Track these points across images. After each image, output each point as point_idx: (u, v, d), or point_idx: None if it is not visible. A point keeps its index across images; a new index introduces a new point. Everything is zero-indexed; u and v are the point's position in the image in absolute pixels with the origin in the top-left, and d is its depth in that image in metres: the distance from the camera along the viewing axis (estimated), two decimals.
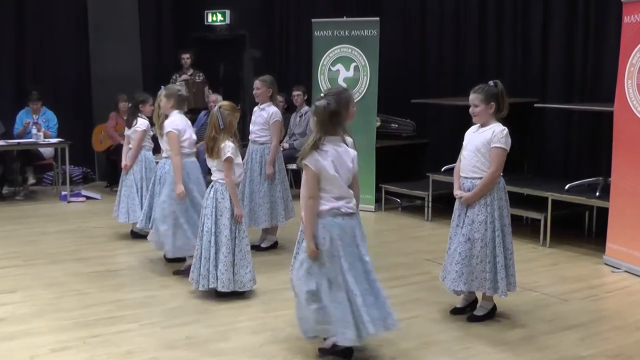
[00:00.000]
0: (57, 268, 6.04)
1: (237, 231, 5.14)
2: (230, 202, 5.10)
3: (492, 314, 4.92)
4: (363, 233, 4.08)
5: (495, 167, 4.65)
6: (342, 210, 3.94)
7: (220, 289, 5.11)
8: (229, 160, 5.03)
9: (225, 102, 5.30)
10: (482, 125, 4.76)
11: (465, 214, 4.74)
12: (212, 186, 5.19)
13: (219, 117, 5.04)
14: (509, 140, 4.67)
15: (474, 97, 4.75)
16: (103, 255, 6.48)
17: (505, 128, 4.69)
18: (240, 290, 5.18)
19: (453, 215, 4.86)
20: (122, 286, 5.60)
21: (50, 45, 10.40)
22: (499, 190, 4.71)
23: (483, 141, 4.69)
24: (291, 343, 4.42)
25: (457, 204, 4.82)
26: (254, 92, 6.64)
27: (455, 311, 4.99)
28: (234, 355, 4.25)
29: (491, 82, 4.74)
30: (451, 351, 4.34)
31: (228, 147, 5.03)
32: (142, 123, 6.95)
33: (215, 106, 5.26)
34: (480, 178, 4.68)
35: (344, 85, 8.16)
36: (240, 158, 5.22)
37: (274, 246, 6.70)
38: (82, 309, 5.00)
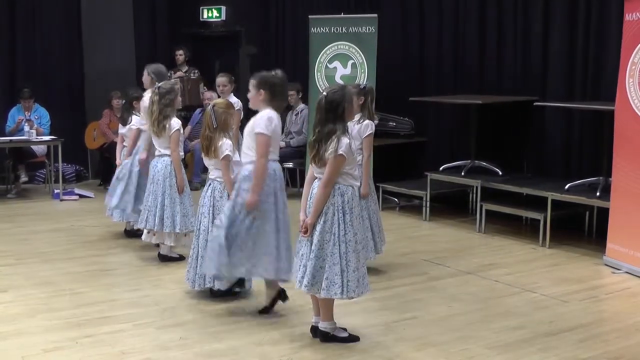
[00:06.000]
0: (49, 267, 5.97)
1: None
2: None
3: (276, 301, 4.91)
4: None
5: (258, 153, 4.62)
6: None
7: (217, 287, 5.05)
8: (227, 159, 4.98)
9: (220, 100, 5.28)
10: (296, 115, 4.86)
11: None
12: (210, 184, 5.13)
13: (212, 116, 4.98)
14: (273, 124, 4.60)
15: (249, 83, 4.79)
16: (96, 255, 6.42)
17: (268, 113, 4.63)
18: (237, 290, 5.10)
19: None
20: (115, 286, 5.55)
21: (43, 41, 10.29)
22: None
23: (248, 129, 4.70)
24: (287, 344, 4.38)
25: None
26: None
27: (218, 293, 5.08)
28: (228, 357, 4.20)
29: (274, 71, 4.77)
30: (449, 353, 4.30)
31: (226, 145, 4.98)
32: (136, 120, 6.86)
33: (209, 104, 5.21)
34: (249, 162, 4.67)
35: (341, 82, 8.11)
36: (238, 155, 5.16)
37: None
38: (75, 308, 4.95)
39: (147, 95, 6.47)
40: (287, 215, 4.76)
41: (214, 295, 5.12)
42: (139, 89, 7.22)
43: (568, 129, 7.59)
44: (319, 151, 4.17)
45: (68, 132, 9.48)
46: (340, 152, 4.11)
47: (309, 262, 4.21)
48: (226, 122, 5.04)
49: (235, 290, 5.14)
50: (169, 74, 10.15)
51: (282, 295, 4.90)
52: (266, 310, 4.88)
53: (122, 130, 7.03)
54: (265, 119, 4.61)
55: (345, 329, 4.46)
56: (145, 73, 6.62)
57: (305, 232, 4.23)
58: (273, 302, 4.90)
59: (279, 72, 4.76)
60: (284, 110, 9.37)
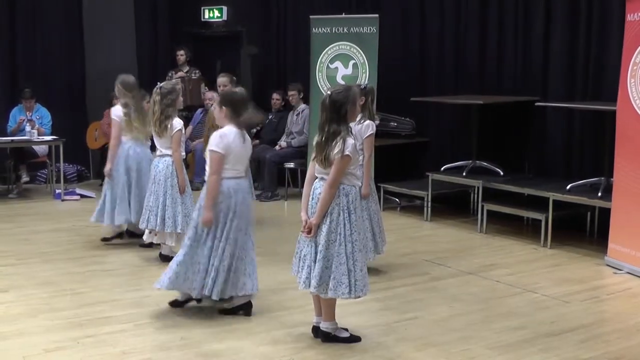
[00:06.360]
0: (50, 267, 5.97)
1: None
2: None
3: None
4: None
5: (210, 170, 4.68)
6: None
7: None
8: None
9: None
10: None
11: None
12: None
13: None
14: (225, 142, 4.60)
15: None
16: (97, 255, 6.41)
17: (225, 130, 4.64)
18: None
19: None
20: (116, 286, 5.53)
21: (44, 41, 10.29)
22: None
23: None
24: (289, 344, 4.38)
25: None
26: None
27: (175, 304, 4.95)
28: (229, 357, 4.20)
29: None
30: (450, 353, 4.30)
31: None
32: None
33: (212, 104, 5.20)
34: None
35: (343, 82, 8.12)
36: None
37: None
38: (76, 308, 4.95)
39: (116, 107, 6.69)
40: (247, 234, 4.75)
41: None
42: (141, 89, 7.24)
43: (569, 129, 7.58)
44: (326, 153, 4.16)
45: (69, 132, 9.47)
46: (347, 152, 4.11)
47: (317, 263, 4.20)
48: None
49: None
50: (170, 74, 10.19)
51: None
52: (225, 312, 4.88)
53: None
54: (217, 136, 4.63)
55: (346, 329, 4.46)
56: (116, 83, 6.75)
57: (309, 233, 4.23)
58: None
59: (241, 89, 4.90)
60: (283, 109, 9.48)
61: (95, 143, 10.11)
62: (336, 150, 4.12)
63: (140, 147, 6.58)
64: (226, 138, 4.60)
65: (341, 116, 4.17)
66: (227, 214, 4.65)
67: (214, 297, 4.70)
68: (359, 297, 4.31)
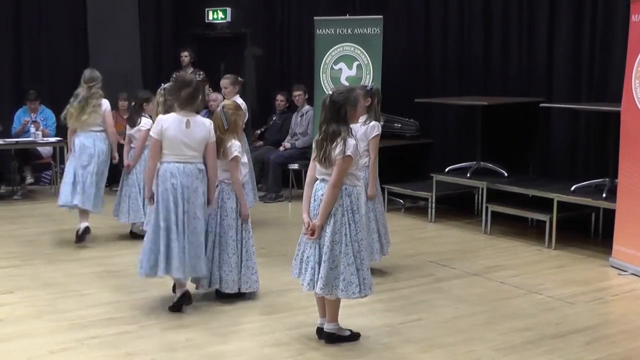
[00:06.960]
0: (55, 268, 5.98)
1: (242, 232, 5.08)
2: (236, 202, 5.04)
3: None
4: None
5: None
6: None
7: (224, 290, 5.08)
8: (236, 160, 4.99)
9: (229, 102, 5.30)
10: None
11: None
12: (217, 186, 5.12)
13: (222, 118, 4.98)
14: (158, 127, 4.89)
15: None
16: (102, 256, 6.42)
17: (159, 117, 5.00)
18: (245, 291, 5.13)
19: None
20: (121, 287, 5.53)
21: (48, 43, 10.33)
22: None
23: None
24: (293, 346, 4.38)
25: None
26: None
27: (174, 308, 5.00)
28: (234, 358, 4.22)
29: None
30: (455, 354, 4.30)
31: (235, 146, 4.98)
32: (146, 122, 6.89)
33: (217, 106, 5.22)
34: None
35: (347, 83, 8.12)
36: (246, 157, 5.17)
37: None
38: (81, 310, 4.95)
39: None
40: (196, 219, 4.85)
41: (221, 296, 5.13)
42: (148, 91, 7.27)
43: (574, 130, 7.58)
44: (326, 151, 4.16)
45: None
46: (348, 153, 4.11)
47: (323, 264, 4.19)
48: (236, 123, 5.05)
49: (244, 292, 5.16)
50: (174, 76, 10.18)
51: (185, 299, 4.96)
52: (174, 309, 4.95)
53: (130, 131, 7.06)
54: (156, 121, 4.94)
55: (349, 330, 4.46)
56: None
57: (312, 235, 4.23)
58: (176, 304, 4.96)
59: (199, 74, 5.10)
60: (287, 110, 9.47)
61: None
62: (337, 151, 4.12)
63: (86, 137, 6.79)
64: (160, 123, 4.86)
65: (341, 117, 4.16)
66: (168, 197, 4.77)
67: (178, 275, 4.87)
68: (366, 295, 4.31)
